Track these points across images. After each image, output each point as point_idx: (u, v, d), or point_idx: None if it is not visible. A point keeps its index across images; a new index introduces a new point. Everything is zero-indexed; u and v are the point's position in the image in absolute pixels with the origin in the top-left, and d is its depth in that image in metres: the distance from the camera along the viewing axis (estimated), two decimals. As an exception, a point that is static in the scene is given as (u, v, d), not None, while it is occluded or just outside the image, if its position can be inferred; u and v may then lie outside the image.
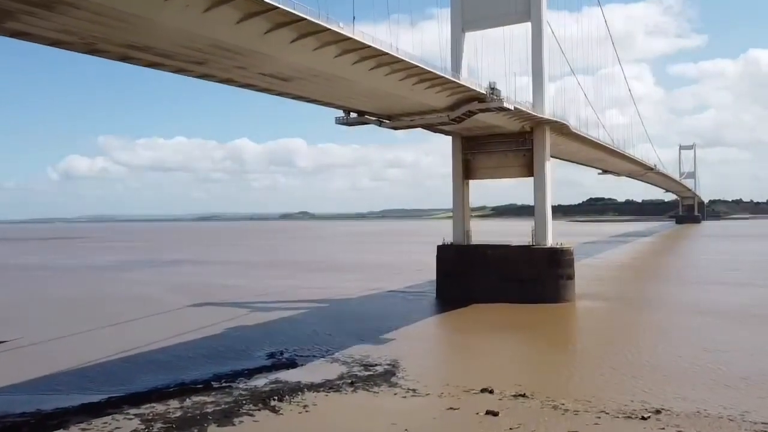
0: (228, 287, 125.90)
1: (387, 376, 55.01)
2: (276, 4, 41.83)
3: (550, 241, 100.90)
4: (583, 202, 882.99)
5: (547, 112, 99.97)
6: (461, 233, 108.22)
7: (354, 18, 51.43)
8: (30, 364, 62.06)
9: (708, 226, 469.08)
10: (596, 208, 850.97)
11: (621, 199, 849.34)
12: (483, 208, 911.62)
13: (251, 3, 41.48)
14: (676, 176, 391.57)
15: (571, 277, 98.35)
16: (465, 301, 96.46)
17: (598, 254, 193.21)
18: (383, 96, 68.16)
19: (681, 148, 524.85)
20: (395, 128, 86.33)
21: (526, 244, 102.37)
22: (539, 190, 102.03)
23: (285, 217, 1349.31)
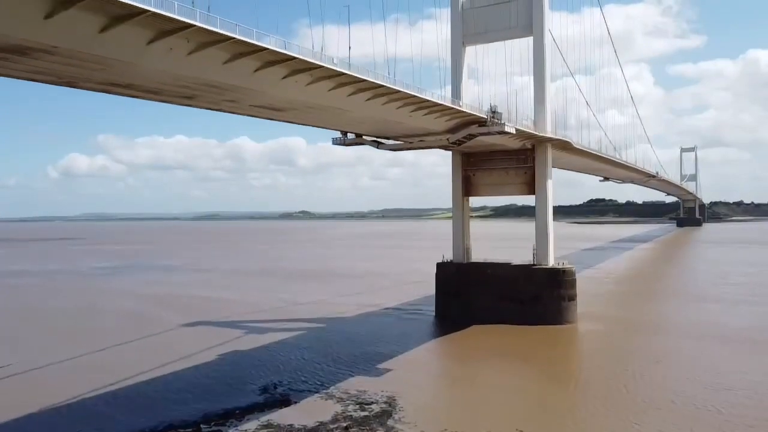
0: (220, 301, 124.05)
1: (383, 417, 52.98)
2: (265, 45, 39.85)
3: (552, 261, 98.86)
4: (583, 203, 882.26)
5: (549, 129, 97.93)
6: (461, 251, 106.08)
7: (350, 47, 49.39)
8: (1, 401, 59.78)
9: (709, 229, 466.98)
10: (597, 210, 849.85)
11: (622, 200, 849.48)
12: (483, 208, 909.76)
13: (238, 44, 39.49)
14: (678, 181, 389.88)
15: (572, 298, 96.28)
16: (464, 321, 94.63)
17: (598, 264, 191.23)
18: (381, 121, 66.23)
19: (682, 150, 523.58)
20: (393, 150, 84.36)
21: (527, 263, 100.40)
22: (540, 208, 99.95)
23: (285, 216, 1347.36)
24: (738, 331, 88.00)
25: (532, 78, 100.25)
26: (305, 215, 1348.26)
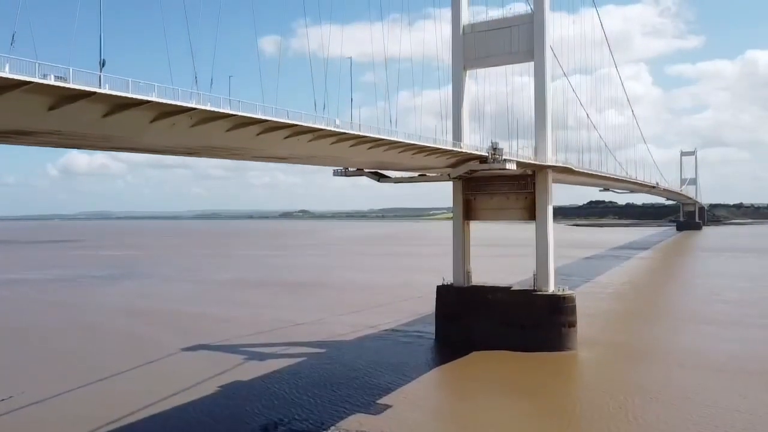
0: (219, 320, 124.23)
1: (382, 465, 52.97)
2: (265, 118, 39.86)
3: (552, 287, 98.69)
4: (584, 204, 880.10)
5: (550, 156, 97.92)
6: (461, 274, 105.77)
7: (352, 100, 49.47)
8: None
9: (708, 234, 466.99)
10: (597, 211, 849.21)
11: (621, 202, 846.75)
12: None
13: (240, 116, 39.49)
14: (678, 186, 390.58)
15: (573, 324, 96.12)
16: (465, 346, 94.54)
17: (597, 276, 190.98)
18: (382, 162, 66.30)
19: (682, 154, 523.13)
20: (395, 183, 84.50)
21: (527, 288, 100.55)
22: (540, 234, 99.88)
23: (285, 215, 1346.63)
24: (732, 359, 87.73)
25: (532, 78, 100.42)
26: (305, 214, 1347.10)
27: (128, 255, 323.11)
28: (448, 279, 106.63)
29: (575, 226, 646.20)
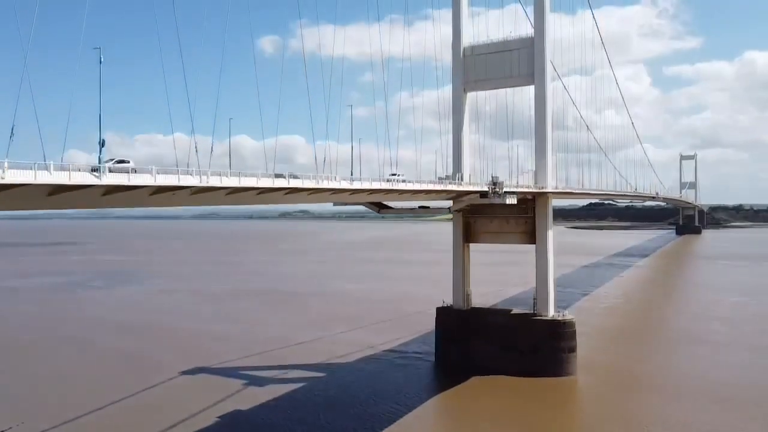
0: (216, 338, 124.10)
1: None
2: (262, 186, 39.90)
3: (552, 311, 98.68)
4: (583, 206, 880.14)
5: (550, 182, 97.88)
6: (461, 296, 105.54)
7: (352, 147, 49.39)
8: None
9: (707, 238, 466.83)
10: (596, 213, 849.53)
11: (621, 204, 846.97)
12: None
13: (237, 187, 39.54)
14: (677, 190, 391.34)
15: (572, 349, 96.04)
16: (464, 370, 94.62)
17: (595, 289, 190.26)
18: (383, 198, 66.36)
19: (682, 157, 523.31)
20: (397, 214, 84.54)
21: (527, 311, 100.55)
22: (541, 258, 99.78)
23: (284, 215, 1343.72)
24: (730, 387, 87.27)
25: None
26: (305, 214, 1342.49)
27: (125, 260, 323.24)
28: (448, 296, 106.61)
29: (575, 229, 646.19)
